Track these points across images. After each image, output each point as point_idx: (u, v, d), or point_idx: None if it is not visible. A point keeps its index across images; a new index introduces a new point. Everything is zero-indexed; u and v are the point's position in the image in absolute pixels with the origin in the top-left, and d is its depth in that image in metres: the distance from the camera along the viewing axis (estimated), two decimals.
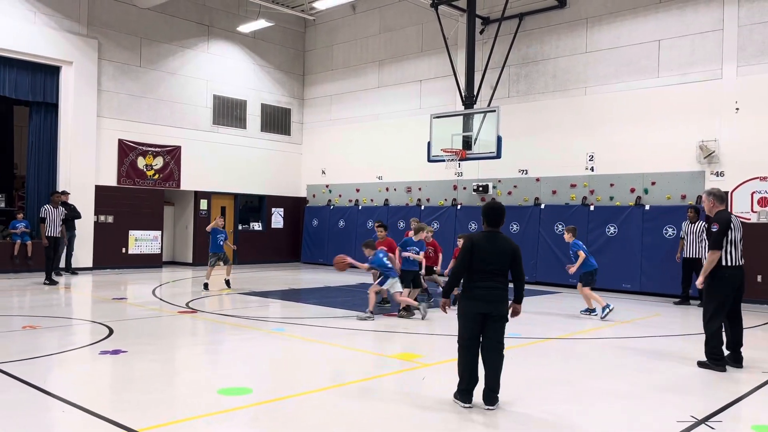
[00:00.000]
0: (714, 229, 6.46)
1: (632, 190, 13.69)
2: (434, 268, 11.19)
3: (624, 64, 13.93)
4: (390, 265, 9.31)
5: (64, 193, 14.65)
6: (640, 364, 6.74)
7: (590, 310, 10.01)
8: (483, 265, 4.96)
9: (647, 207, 13.35)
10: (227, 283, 12.50)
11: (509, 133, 14.03)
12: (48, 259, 12.80)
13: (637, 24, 13.82)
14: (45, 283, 12.60)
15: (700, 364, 6.56)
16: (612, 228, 13.75)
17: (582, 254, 9.86)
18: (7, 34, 14.40)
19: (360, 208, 18.65)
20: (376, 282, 9.43)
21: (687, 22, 13.15)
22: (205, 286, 12.27)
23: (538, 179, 15.17)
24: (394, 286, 9.21)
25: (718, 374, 6.29)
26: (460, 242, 9.77)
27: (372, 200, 18.61)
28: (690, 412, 4.91)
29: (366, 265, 9.46)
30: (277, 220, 20.11)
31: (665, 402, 5.28)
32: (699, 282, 6.57)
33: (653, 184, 13.42)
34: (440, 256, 11.32)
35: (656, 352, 7.33)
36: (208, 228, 12.54)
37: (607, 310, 9.57)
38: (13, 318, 8.89)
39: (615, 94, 14.03)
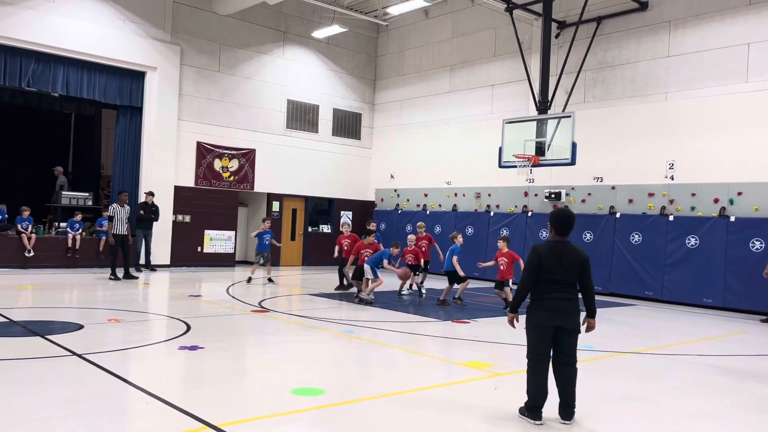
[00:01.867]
0: None
1: (716, 201, 13.03)
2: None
3: (710, 69, 13.29)
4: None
5: (151, 193, 15.33)
6: (725, 383, 6.39)
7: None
8: (551, 275, 4.80)
9: (732, 218, 12.67)
10: (269, 280, 13.81)
11: (584, 139, 13.67)
12: (114, 256, 13.34)
13: (724, 26, 13.16)
14: (110, 278, 13.12)
15: None
16: (693, 240, 13.13)
17: None
18: (98, 42, 15.24)
19: (428, 212, 18.60)
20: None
21: None
22: (249, 279, 13.67)
23: (613, 187, 14.68)
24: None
25: None
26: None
27: (440, 205, 18.52)
28: None
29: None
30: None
31: (754, 424, 4.98)
32: None
33: (740, 194, 12.72)
34: (437, 247, 13.03)
35: (743, 371, 6.93)
36: (253, 234, 14.11)
37: None
38: (98, 311, 9.37)
39: (699, 100, 13.41)
